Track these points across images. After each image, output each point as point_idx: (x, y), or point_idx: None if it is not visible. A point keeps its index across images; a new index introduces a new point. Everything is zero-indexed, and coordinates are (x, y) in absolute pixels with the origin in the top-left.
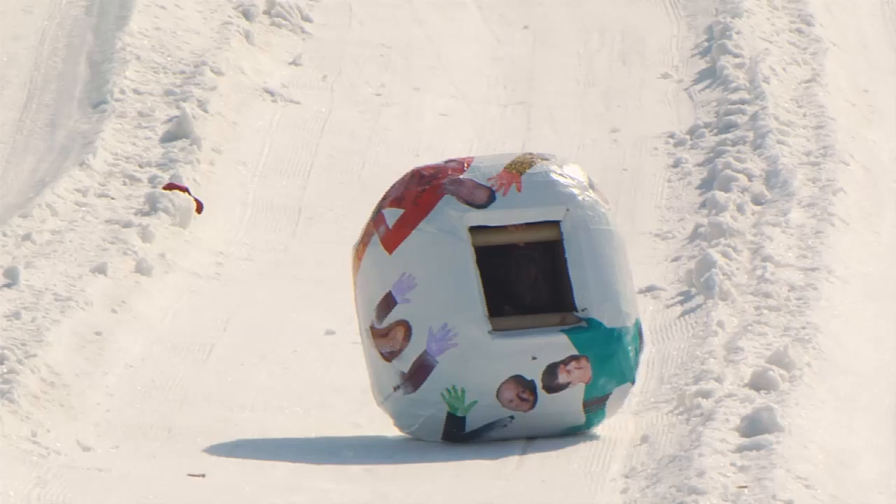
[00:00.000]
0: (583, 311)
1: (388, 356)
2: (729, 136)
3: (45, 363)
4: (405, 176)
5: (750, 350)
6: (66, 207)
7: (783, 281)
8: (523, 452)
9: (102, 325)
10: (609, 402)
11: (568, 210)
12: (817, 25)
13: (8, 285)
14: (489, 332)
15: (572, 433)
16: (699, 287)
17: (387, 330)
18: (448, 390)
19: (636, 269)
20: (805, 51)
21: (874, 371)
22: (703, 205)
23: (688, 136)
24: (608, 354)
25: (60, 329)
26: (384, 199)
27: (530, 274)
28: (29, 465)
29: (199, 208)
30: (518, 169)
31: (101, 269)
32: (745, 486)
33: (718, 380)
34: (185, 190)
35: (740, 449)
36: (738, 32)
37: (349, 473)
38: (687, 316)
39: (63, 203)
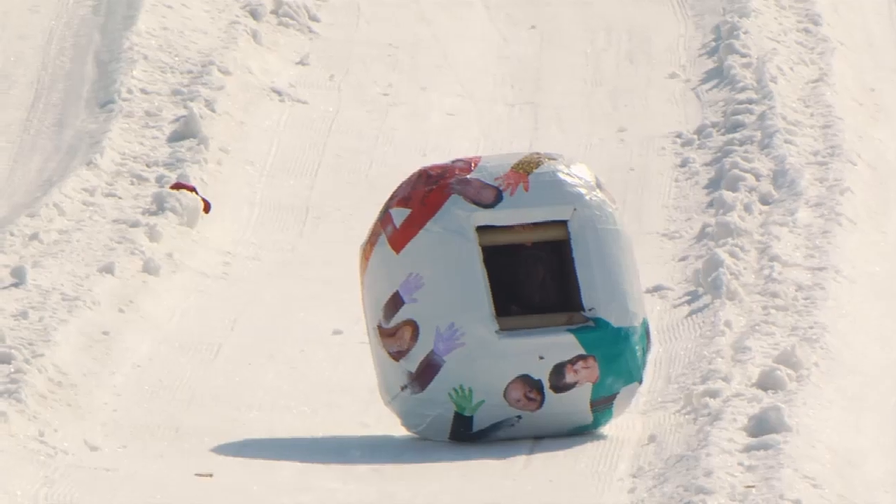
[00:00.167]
0: (590, 310)
1: (396, 356)
2: (736, 135)
3: (53, 363)
4: (412, 175)
5: (757, 350)
6: (73, 207)
7: (791, 280)
8: (531, 452)
9: (110, 324)
10: (616, 402)
11: (575, 210)
12: (825, 25)
13: (15, 285)
14: (496, 331)
15: (580, 433)
16: (706, 287)
17: (394, 329)
18: (455, 390)
19: (643, 268)
20: (812, 50)
21: (882, 370)
22: (710, 204)
23: (695, 136)
24: (615, 354)
25: (68, 329)
26: (391, 198)
27: (538, 274)
28: (36, 465)
29: (207, 208)
30: (525, 168)
31: (108, 269)
32: (753, 486)
33: (726, 379)
34: (192, 189)
35: (748, 448)
36: (745, 32)
37: (356, 473)
38: (694, 315)
39: (70, 202)
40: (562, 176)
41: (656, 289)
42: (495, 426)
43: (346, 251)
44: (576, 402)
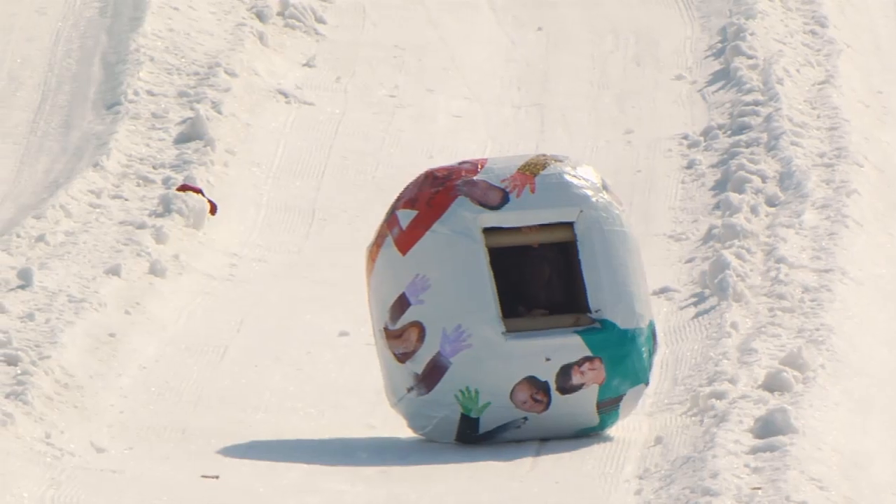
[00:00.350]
0: (597, 312)
1: (402, 357)
2: (743, 137)
3: (59, 364)
4: (419, 177)
5: (764, 351)
6: (79, 209)
7: (797, 282)
8: (537, 454)
9: (116, 326)
10: (623, 404)
11: (582, 211)
12: (831, 27)
13: (22, 286)
14: (503, 333)
15: (586, 434)
16: (713, 288)
17: (400, 331)
18: (462, 391)
19: (650, 270)
20: (819, 52)
21: (888, 373)
22: (716, 206)
23: (701, 138)
24: (622, 356)
25: (74, 330)
26: (398, 200)
27: (544, 273)
28: (43, 467)
29: (213, 210)
30: (532, 170)
31: (114, 271)
32: (759, 488)
33: (732, 381)
34: (198, 191)
35: (754, 450)
36: (751, 34)
37: (363, 475)
38: (701, 317)
39: (77, 204)
40: (568, 178)
41: (663, 290)
42: (502, 428)
43: (353, 253)
44: (582, 403)
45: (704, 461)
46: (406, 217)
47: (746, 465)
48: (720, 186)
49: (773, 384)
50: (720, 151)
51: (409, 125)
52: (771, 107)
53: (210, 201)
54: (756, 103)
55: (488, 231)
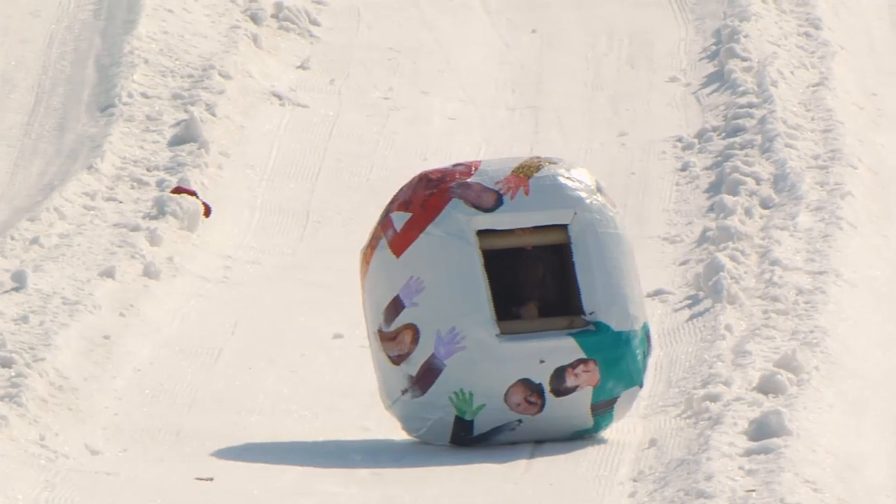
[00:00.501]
0: (590, 314)
1: (396, 360)
2: (737, 139)
3: (54, 367)
4: (413, 179)
5: (758, 354)
6: (73, 211)
7: (791, 284)
8: (531, 456)
9: (110, 328)
10: (617, 406)
11: (576, 214)
12: (825, 29)
13: (16, 289)
14: (497, 335)
15: (580, 437)
16: (707, 291)
17: (395, 333)
18: (456, 394)
19: (644, 272)
20: (813, 54)
21: (882, 375)
22: (710, 208)
23: (696, 140)
24: (616, 358)
25: (68, 333)
26: (392, 202)
27: (538, 272)
28: (37, 469)
29: (207, 212)
30: (526, 172)
31: (108, 273)
32: (753, 490)
33: (726, 383)
34: (192, 193)
35: (748, 452)
36: (745, 36)
37: (357, 477)
38: (695, 319)
39: (71, 207)
40: (562, 180)
41: (657, 293)
42: (496, 430)
43: (347, 255)
44: (576, 405)
45: (699, 463)
46: (400, 219)
47: (741, 468)
48: (714, 189)
49: (767, 386)
50: (714, 153)
51: (404, 127)
52: (765, 109)
53: (204, 203)
54: (750, 105)
55: (482, 233)
